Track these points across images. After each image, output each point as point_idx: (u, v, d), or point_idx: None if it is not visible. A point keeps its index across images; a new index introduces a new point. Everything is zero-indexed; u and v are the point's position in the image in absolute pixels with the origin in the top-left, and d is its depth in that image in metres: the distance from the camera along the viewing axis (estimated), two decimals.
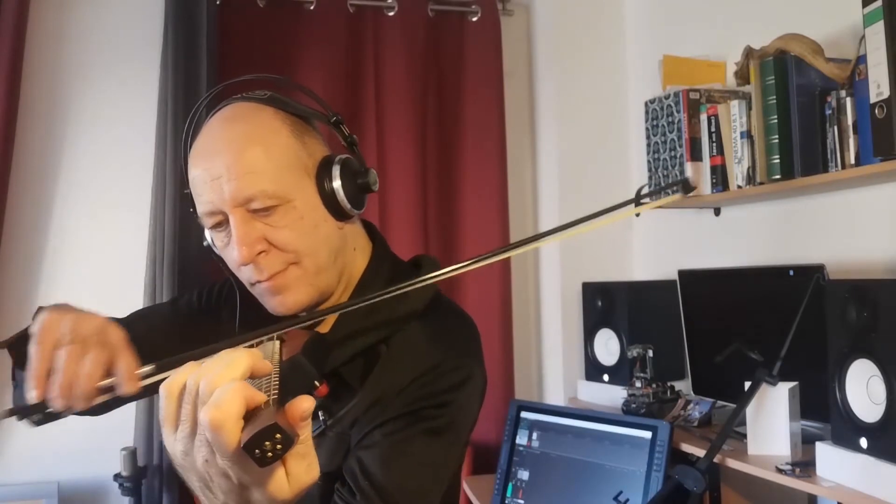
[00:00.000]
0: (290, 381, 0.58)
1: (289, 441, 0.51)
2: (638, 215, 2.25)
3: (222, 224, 0.90)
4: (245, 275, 0.91)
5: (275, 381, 0.57)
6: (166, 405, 0.58)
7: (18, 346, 0.87)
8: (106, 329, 0.75)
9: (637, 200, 0.77)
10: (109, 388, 0.73)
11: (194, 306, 1.12)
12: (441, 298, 1.02)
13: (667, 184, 2.09)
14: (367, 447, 0.90)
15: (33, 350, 0.73)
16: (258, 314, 0.95)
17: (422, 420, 0.90)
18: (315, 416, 0.95)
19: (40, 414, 0.73)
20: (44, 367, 0.72)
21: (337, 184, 0.92)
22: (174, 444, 0.58)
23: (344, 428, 0.93)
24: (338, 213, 0.93)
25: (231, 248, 0.89)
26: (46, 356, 0.72)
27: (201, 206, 0.90)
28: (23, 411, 0.73)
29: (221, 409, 0.53)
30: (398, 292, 0.82)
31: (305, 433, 0.56)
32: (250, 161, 0.87)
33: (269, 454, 0.50)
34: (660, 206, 2.21)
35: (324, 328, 0.97)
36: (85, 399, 0.71)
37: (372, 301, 0.82)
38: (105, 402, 1.01)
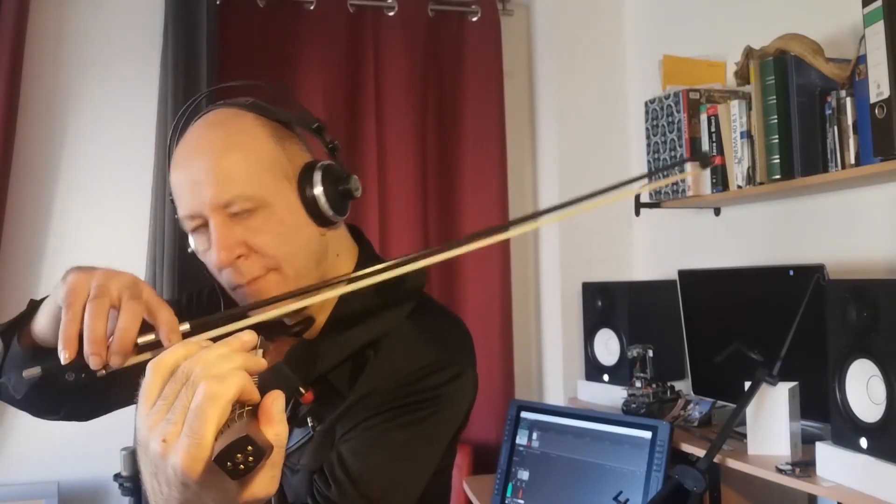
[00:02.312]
0: (270, 390, 0.57)
1: (260, 453, 0.50)
2: (638, 214, 2.24)
3: (202, 228, 0.90)
4: (225, 279, 0.91)
5: None
6: (152, 381, 0.57)
7: (8, 335, 0.87)
8: (138, 284, 0.74)
9: (658, 172, 0.76)
10: (149, 345, 0.70)
11: (184, 310, 1.10)
12: (429, 302, 1.02)
13: (681, 159, 2.03)
14: (348, 440, 0.90)
15: (63, 312, 0.71)
16: None
17: (404, 414, 0.90)
18: (304, 422, 0.94)
19: (73, 372, 0.71)
20: (74, 329, 0.70)
21: (318, 190, 0.92)
22: (146, 417, 0.56)
23: (330, 425, 0.93)
24: (320, 219, 0.93)
25: (211, 253, 0.89)
26: (77, 316, 0.70)
27: (181, 210, 0.90)
28: (56, 370, 0.71)
29: (224, 384, 0.53)
30: (373, 274, 0.77)
31: (280, 435, 0.54)
32: (229, 166, 0.87)
33: (241, 466, 0.50)
34: (657, 204, 2.21)
35: (311, 335, 0.97)
36: (122, 354, 0.69)
37: (339, 283, 0.79)
38: (100, 405, 1.00)
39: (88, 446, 2.28)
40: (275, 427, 0.54)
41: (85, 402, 0.98)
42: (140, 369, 0.60)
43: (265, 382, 0.57)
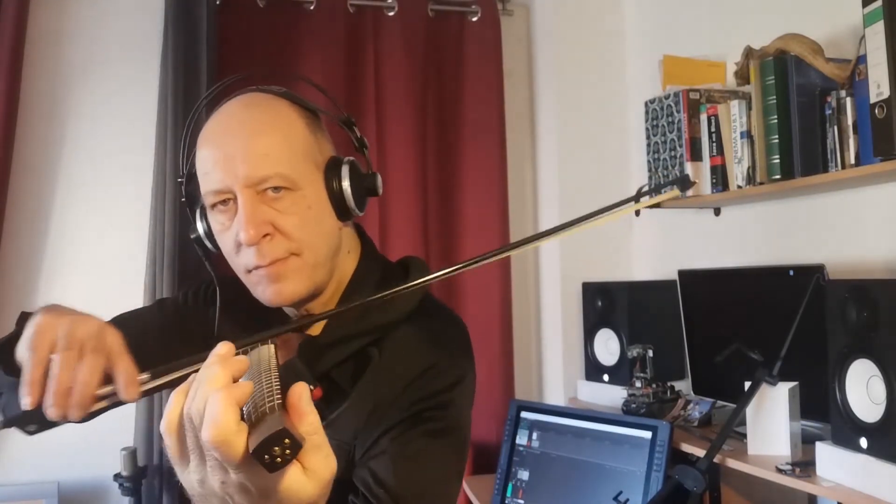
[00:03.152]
0: (287, 386, 0.58)
1: (297, 445, 0.51)
2: (638, 214, 2.25)
3: (226, 203, 0.89)
4: (243, 259, 0.90)
5: (276, 385, 0.56)
6: (171, 443, 0.57)
7: (2, 353, 0.84)
8: (103, 333, 0.73)
9: (637, 198, 0.78)
10: (108, 396, 0.70)
11: (181, 307, 1.11)
12: (430, 300, 1.02)
13: (665, 181, 2.09)
14: (375, 455, 0.89)
15: (27, 355, 0.70)
16: (247, 315, 0.95)
17: (424, 422, 0.90)
18: None
19: (35, 424, 0.70)
20: (38, 373, 0.69)
21: (346, 184, 0.93)
22: (189, 476, 0.57)
23: (346, 438, 0.92)
24: (342, 212, 0.94)
25: (230, 232, 0.89)
26: (41, 361, 0.70)
27: (208, 185, 0.89)
28: (16, 420, 0.70)
29: (218, 425, 0.52)
30: (391, 295, 0.81)
31: (314, 423, 0.55)
32: (267, 144, 0.88)
33: (279, 459, 0.50)
34: (657, 204, 2.21)
35: (314, 331, 0.97)
36: (81, 407, 0.69)
37: (365, 304, 0.81)
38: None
39: (88, 446, 2.28)
40: (307, 418, 0.55)
41: None
42: None
43: (283, 380, 0.57)
